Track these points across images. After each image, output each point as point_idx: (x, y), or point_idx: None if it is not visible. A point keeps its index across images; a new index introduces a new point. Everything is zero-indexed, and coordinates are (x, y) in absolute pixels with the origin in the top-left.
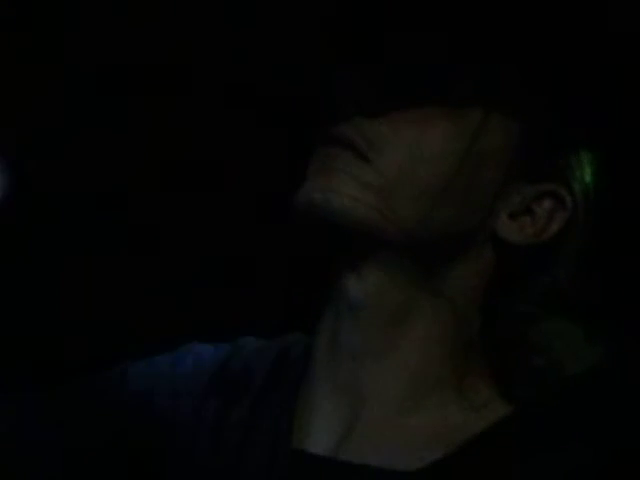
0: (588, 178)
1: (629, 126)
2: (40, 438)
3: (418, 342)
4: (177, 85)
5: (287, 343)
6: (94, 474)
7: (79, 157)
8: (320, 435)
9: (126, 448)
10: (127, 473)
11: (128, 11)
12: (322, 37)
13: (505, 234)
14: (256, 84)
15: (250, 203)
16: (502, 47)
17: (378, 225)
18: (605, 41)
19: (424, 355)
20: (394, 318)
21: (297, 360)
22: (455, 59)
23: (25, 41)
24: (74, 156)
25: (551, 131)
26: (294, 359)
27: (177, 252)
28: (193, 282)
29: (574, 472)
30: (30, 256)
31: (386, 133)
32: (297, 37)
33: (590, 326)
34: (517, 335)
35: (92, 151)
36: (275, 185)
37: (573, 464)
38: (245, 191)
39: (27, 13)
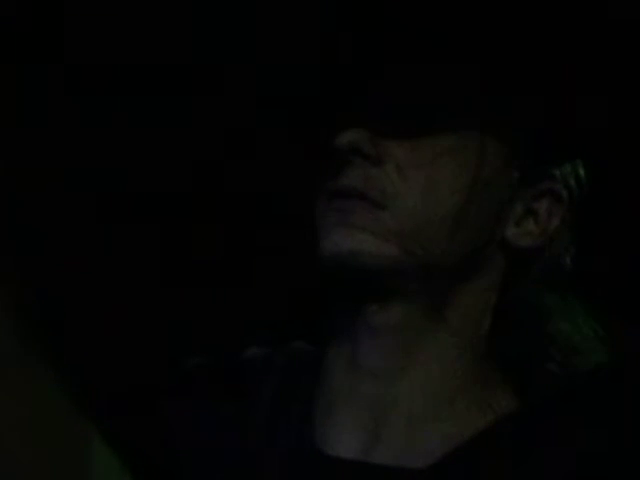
0: (582, 171)
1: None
2: None
3: (438, 357)
4: (179, 85)
5: (292, 352)
6: None
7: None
8: (345, 443)
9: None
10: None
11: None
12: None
13: (516, 242)
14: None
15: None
16: (500, 75)
17: (403, 267)
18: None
19: (444, 369)
20: (415, 339)
21: (306, 370)
22: (458, 97)
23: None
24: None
25: (544, 142)
26: (303, 369)
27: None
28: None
29: (578, 468)
30: None
31: (396, 180)
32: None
33: (600, 320)
34: (531, 339)
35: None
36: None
37: (577, 460)
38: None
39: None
